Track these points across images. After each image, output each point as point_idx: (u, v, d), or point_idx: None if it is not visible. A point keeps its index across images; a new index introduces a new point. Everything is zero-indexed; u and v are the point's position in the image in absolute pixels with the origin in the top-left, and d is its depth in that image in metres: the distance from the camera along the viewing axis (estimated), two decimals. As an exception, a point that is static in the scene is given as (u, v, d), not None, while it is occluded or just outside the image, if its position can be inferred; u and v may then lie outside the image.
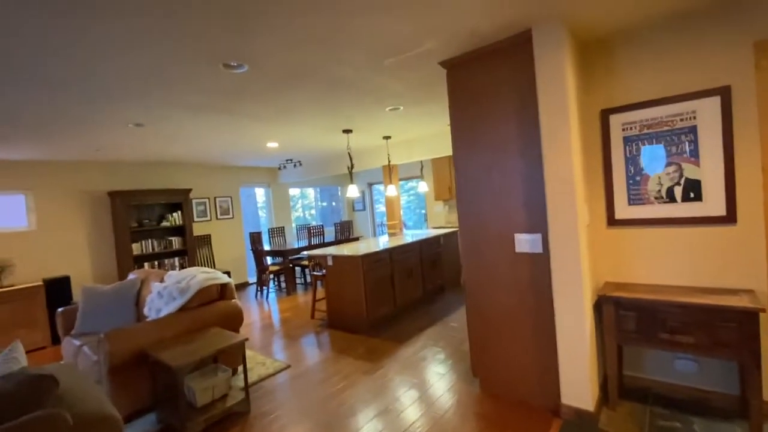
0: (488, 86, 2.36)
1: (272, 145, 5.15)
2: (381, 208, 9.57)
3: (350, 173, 4.65)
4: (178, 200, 5.88)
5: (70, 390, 1.56)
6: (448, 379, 2.79)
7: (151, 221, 5.76)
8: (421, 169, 6.78)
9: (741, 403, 2.11)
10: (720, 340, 1.88)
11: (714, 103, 2.07)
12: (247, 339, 2.54)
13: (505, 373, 2.47)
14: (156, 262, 5.68)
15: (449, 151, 5.27)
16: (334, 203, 10.14)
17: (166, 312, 2.80)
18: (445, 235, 5.45)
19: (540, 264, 2.25)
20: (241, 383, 2.79)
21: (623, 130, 2.34)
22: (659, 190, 2.26)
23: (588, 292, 2.16)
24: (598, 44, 2.39)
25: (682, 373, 2.29)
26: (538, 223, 2.24)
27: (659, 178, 2.25)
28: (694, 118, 2.12)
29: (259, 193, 8.35)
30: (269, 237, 6.85)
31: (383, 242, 4.83)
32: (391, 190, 5.64)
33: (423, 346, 3.45)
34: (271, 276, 6.30)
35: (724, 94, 2.03)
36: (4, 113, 2.86)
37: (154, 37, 1.91)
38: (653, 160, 2.26)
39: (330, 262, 4.22)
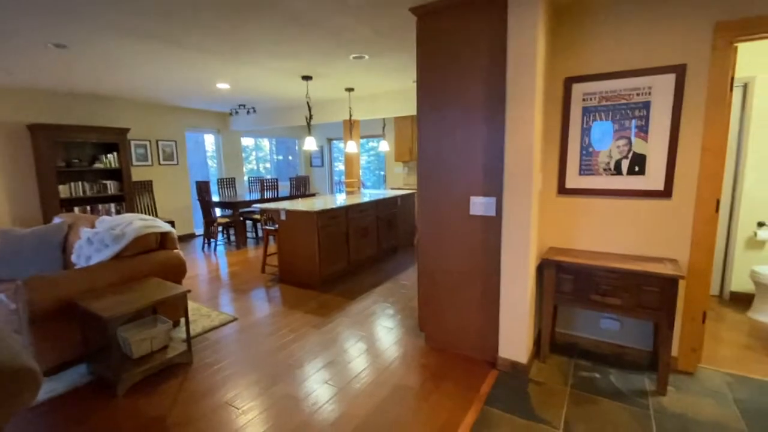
0: (459, 40, 2.25)
1: (223, 86, 4.71)
2: (340, 166, 9.33)
3: (308, 124, 4.41)
4: (114, 140, 5.30)
5: (-24, 340, 1.38)
6: (395, 333, 2.88)
7: (81, 162, 5.17)
8: (383, 128, 6.62)
9: (652, 357, 2.38)
10: (643, 302, 2.06)
11: (669, 81, 2.13)
12: (189, 291, 2.41)
13: (450, 329, 2.58)
14: (89, 207, 5.18)
15: (414, 111, 5.14)
16: (290, 157, 9.72)
17: (96, 260, 2.56)
18: (402, 197, 5.45)
19: (492, 227, 2.31)
20: (184, 335, 2.69)
21: (583, 100, 2.36)
22: (608, 162, 2.35)
23: (533, 256, 2.26)
24: (569, 9, 2.33)
25: (606, 331, 2.53)
26: (494, 187, 2.26)
27: (610, 150, 2.34)
28: (650, 93, 2.18)
29: (209, 141, 7.77)
30: (218, 188, 6.46)
31: (340, 200, 4.74)
32: (351, 147, 5.47)
33: (373, 302, 3.52)
34: (220, 228, 6.03)
35: (680, 72, 2.09)
36: None
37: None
38: (606, 132, 2.33)
39: (283, 217, 4.08)
